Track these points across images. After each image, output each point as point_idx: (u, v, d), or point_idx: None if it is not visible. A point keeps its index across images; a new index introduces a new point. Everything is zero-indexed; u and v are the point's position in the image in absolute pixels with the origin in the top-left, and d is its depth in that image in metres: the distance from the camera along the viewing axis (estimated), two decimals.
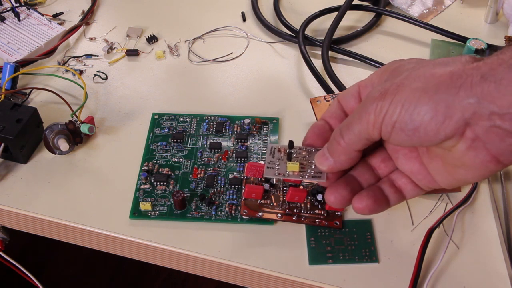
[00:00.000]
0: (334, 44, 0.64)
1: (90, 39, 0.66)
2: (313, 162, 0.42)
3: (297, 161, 0.42)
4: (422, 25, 0.64)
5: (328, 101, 0.55)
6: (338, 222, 0.47)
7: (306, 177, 0.41)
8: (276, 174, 0.42)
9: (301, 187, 0.49)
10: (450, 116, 0.32)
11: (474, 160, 0.33)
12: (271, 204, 0.48)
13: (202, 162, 0.52)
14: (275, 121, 0.56)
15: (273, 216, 0.47)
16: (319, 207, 0.48)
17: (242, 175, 0.51)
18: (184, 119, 0.56)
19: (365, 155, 0.41)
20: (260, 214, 0.47)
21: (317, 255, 0.46)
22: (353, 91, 0.41)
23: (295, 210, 0.48)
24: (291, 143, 0.43)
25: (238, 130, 0.55)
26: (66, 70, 0.61)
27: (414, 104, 0.33)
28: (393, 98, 0.34)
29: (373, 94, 0.35)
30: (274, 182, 0.49)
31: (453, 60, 0.34)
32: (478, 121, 0.31)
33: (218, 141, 0.54)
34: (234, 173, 0.51)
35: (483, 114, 0.31)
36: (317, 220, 0.47)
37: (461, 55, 0.35)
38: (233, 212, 0.48)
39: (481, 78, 0.31)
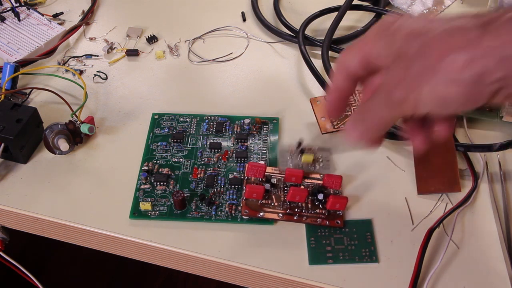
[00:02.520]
0: (334, 44, 0.64)
1: (90, 39, 0.66)
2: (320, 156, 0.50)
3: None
4: None
5: None
6: (339, 221, 0.47)
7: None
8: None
9: (302, 187, 0.49)
10: (480, 92, 0.32)
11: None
12: (272, 204, 0.48)
13: (202, 162, 0.52)
14: (275, 121, 0.56)
15: (274, 216, 0.47)
16: (320, 206, 0.48)
17: (242, 175, 0.51)
18: (184, 119, 0.56)
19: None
20: (261, 214, 0.47)
21: (317, 255, 0.46)
22: (357, 59, 0.38)
23: (296, 210, 0.48)
24: (300, 141, 0.51)
25: (238, 130, 0.55)
26: (66, 70, 0.61)
27: (444, 94, 0.33)
28: (421, 92, 0.33)
29: (394, 84, 0.35)
30: (275, 182, 0.50)
31: (458, 28, 0.34)
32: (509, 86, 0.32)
33: (218, 141, 0.54)
34: (234, 173, 0.51)
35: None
36: (318, 220, 0.47)
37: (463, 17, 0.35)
38: (233, 212, 0.48)
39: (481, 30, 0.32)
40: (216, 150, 0.53)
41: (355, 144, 0.39)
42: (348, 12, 0.66)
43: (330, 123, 0.53)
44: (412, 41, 0.35)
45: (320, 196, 0.48)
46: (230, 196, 0.50)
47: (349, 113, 0.54)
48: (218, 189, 0.50)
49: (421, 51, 0.34)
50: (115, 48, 0.65)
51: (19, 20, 0.66)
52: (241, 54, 0.64)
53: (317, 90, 0.59)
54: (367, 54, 0.38)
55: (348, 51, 0.39)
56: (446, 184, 0.50)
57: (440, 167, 0.47)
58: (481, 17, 0.34)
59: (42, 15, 0.67)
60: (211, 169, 0.52)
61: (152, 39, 0.65)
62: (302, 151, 0.52)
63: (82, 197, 0.50)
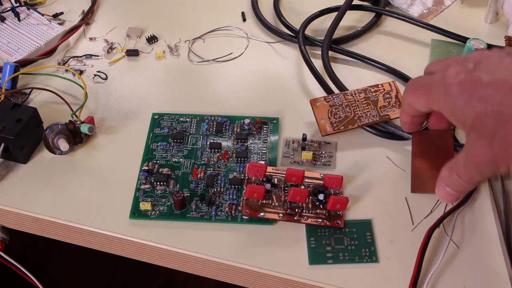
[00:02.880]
0: (334, 44, 0.64)
1: (90, 39, 0.66)
2: (324, 152, 0.52)
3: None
4: (422, 25, 0.64)
5: (328, 102, 0.55)
6: (339, 222, 0.47)
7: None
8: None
9: (302, 187, 0.49)
10: None
11: None
12: (273, 204, 0.48)
13: (202, 162, 0.52)
14: (275, 121, 0.56)
15: (275, 216, 0.47)
16: (321, 206, 0.48)
17: (242, 175, 0.51)
18: (184, 119, 0.56)
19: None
20: (261, 214, 0.47)
21: (317, 255, 0.46)
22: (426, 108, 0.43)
23: (296, 210, 0.48)
24: (304, 136, 0.52)
25: (238, 130, 0.55)
26: (66, 70, 0.61)
27: None
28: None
29: (482, 160, 0.36)
30: (275, 182, 0.50)
31: None
32: None
33: (218, 141, 0.54)
34: (234, 173, 0.51)
35: None
36: (318, 220, 0.47)
37: None
38: (233, 212, 0.48)
39: None
40: (216, 150, 0.53)
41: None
42: (348, 12, 0.66)
43: (330, 124, 0.53)
44: (487, 120, 0.35)
45: (321, 197, 0.48)
46: (230, 196, 0.50)
47: (349, 114, 0.54)
48: (218, 189, 0.50)
49: (497, 129, 0.35)
50: (115, 48, 0.65)
51: (19, 20, 0.66)
52: (241, 54, 0.64)
53: (317, 90, 0.59)
54: (441, 108, 0.40)
55: (417, 93, 0.41)
56: None
57: (438, 167, 0.47)
58: None
59: (42, 15, 0.67)
60: (211, 169, 0.52)
61: (152, 39, 0.65)
62: (303, 148, 0.53)
63: (82, 197, 0.50)
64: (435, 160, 0.50)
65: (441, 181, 0.43)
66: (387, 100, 0.55)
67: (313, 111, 0.54)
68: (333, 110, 0.54)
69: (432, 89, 0.39)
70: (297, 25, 0.65)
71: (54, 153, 0.53)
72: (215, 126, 0.55)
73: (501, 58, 0.36)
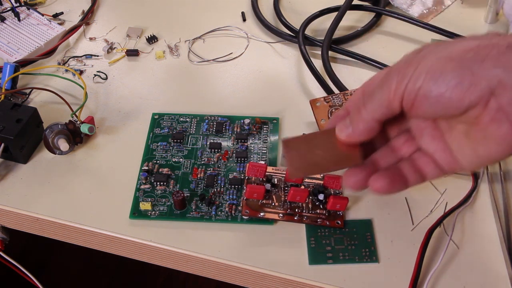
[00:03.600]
0: (334, 44, 0.64)
1: (90, 39, 0.66)
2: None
3: None
4: (422, 25, 0.64)
5: (328, 102, 0.55)
6: (339, 222, 0.47)
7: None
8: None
9: (302, 187, 0.49)
10: (475, 83, 0.32)
11: (496, 132, 0.33)
12: (273, 204, 0.48)
13: (202, 162, 0.52)
14: (275, 121, 0.56)
15: (275, 216, 0.47)
16: (321, 206, 0.48)
17: (242, 175, 0.51)
18: (184, 119, 0.56)
19: (388, 138, 0.41)
20: (261, 214, 0.47)
21: (317, 255, 0.46)
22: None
23: (296, 210, 0.48)
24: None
25: (238, 130, 0.55)
26: (66, 70, 0.61)
27: (440, 70, 0.33)
28: (418, 65, 0.34)
29: (397, 64, 0.35)
30: (275, 182, 0.50)
31: (479, 36, 0.34)
32: (503, 91, 0.31)
33: (218, 141, 0.54)
34: (234, 173, 0.51)
35: (508, 84, 0.31)
36: (318, 220, 0.47)
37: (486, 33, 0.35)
38: (233, 212, 0.48)
39: (507, 48, 0.31)
40: (216, 150, 0.53)
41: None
42: (348, 12, 0.66)
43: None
44: (426, 47, 0.35)
45: (321, 197, 0.48)
46: (230, 196, 0.50)
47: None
48: (218, 189, 0.50)
49: (433, 48, 0.34)
50: (115, 48, 0.65)
51: (19, 20, 0.66)
52: (241, 54, 0.64)
53: (317, 90, 0.59)
54: None
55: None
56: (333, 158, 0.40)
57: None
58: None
59: (42, 15, 0.67)
60: (211, 169, 0.52)
61: (152, 39, 0.65)
62: None
63: (82, 197, 0.50)
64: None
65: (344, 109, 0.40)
66: None
67: (313, 112, 0.54)
68: (333, 110, 0.54)
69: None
70: (297, 25, 0.65)
71: (54, 153, 0.53)
72: (215, 126, 0.55)
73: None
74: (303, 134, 0.43)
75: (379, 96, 0.36)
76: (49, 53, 0.62)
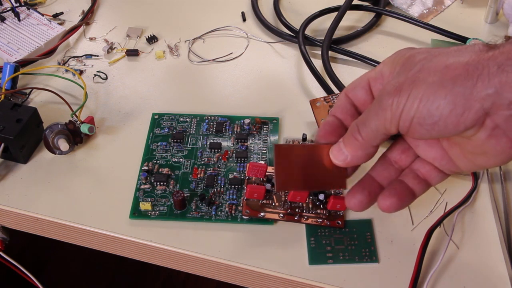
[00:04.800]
0: (334, 44, 0.64)
1: (90, 39, 0.66)
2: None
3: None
4: (422, 25, 0.64)
5: (328, 102, 0.55)
6: (340, 222, 0.47)
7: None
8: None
9: None
10: (469, 108, 0.32)
11: (494, 148, 0.33)
12: (273, 204, 0.48)
13: (202, 162, 0.52)
14: (275, 121, 0.56)
15: (275, 216, 0.47)
16: (321, 206, 0.48)
17: (242, 175, 0.51)
18: (184, 119, 0.56)
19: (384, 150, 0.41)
20: (262, 214, 0.47)
21: (317, 255, 0.46)
22: (362, 84, 0.40)
23: (297, 210, 0.48)
24: (304, 136, 0.51)
25: (238, 130, 0.55)
26: (66, 70, 0.61)
27: (432, 98, 0.33)
28: (410, 93, 0.34)
29: (388, 89, 0.35)
30: None
31: (466, 49, 0.34)
32: (498, 110, 0.31)
33: (218, 141, 0.54)
34: (234, 173, 0.51)
35: (503, 104, 0.31)
36: (319, 220, 0.47)
37: (473, 43, 0.34)
38: (233, 212, 0.48)
39: (498, 69, 0.31)
40: (216, 150, 0.53)
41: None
42: (348, 12, 0.66)
43: None
44: (416, 58, 0.35)
45: (321, 197, 0.48)
46: (230, 196, 0.50)
47: None
48: (218, 189, 0.50)
49: (423, 64, 0.34)
50: (115, 48, 0.65)
51: (19, 20, 0.66)
52: (241, 54, 0.64)
53: (317, 90, 0.59)
54: (372, 77, 0.39)
55: (360, 76, 0.41)
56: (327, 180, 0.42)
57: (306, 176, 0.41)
58: (490, 44, 0.34)
59: (42, 15, 0.66)
60: (211, 169, 0.52)
61: (152, 39, 0.65)
62: None
63: (82, 197, 0.50)
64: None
65: (342, 139, 0.39)
66: None
67: (313, 112, 0.54)
68: None
69: None
70: (297, 25, 0.65)
71: (54, 153, 0.53)
72: (215, 126, 0.55)
73: None
74: (295, 142, 0.43)
75: (375, 124, 0.36)
76: (49, 53, 0.62)
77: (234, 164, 0.52)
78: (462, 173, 0.38)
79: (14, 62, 0.59)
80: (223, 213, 0.49)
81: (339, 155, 0.39)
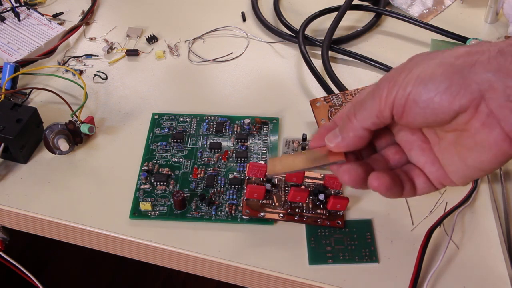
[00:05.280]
0: (334, 44, 0.64)
1: (90, 39, 0.66)
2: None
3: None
4: (422, 25, 0.64)
5: (328, 102, 0.55)
6: (340, 222, 0.47)
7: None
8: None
9: (303, 187, 0.49)
10: (465, 87, 0.32)
11: (487, 138, 0.32)
12: (273, 204, 0.48)
13: (202, 162, 0.52)
14: (275, 121, 0.56)
15: (275, 216, 0.47)
16: (321, 206, 0.48)
17: (242, 175, 0.51)
18: (184, 119, 0.56)
19: (378, 149, 0.41)
20: (262, 214, 0.47)
21: (317, 255, 0.46)
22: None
23: (297, 210, 0.48)
24: (304, 136, 0.51)
25: (238, 130, 0.55)
26: (66, 70, 0.61)
27: (429, 75, 0.32)
28: (408, 73, 0.34)
29: (388, 73, 0.35)
30: (276, 182, 0.50)
31: (470, 44, 0.34)
32: (494, 94, 0.31)
33: (218, 141, 0.54)
34: (234, 173, 0.51)
35: (499, 87, 0.31)
36: (319, 220, 0.47)
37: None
38: (233, 212, 0.48)
39: (498, 52, 0.31)
40: (216, 150, 0.53)
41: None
42: (348, 12, 0.66)
43: None
44: (418, 55, 0.35)
45: (321, 197, 0.48)
46: (230, 196, 0.50)
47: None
48: (218, 189, 0.50)
49: (425, 57, 0.34)
50: (115, 48, 0.65)
51: (19, 20, 0.66)
52: (241, 54, 0.64)
53: (317, 90, 0.59)
54: None
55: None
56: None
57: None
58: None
59: (42, 15, 0.66)
60: (211, 169, 0.52)
61: (152, 39, 0.65)
62: (303, 148, 0.53)
63: (82, 197, 0.50)
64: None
65: (334, 119, 0.39)
66: None
67: (313, 112, 0.54)
68: (333, 110, 0.54)
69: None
70: (297, 25, 0.65)
71: (54, 153, 0.53)
72: (215, 126, 0.55)
73: None
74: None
75: (370, 104, 0.36)
76: (49, 53, 0.62)
77: (234, 164, 0.52)
78: (450, 185, 0.38)
79: (14, 62, 0.59)
80: (223, 213, 0.49)
81: (332, 138, 0.38)
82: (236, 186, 0.50)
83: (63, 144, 0.52)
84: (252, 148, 0.53)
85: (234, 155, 0.53)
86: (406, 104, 0.34)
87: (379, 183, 0.37)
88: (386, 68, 0.61)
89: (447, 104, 0.32)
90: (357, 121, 0.37)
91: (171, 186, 0.50)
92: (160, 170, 0.52)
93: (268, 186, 0.49)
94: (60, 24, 0.67)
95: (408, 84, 0.33)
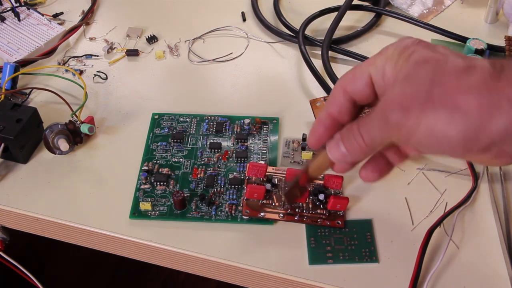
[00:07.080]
0: (334, 44, 0.64)
1: (90, 39, 0.66)
2: None
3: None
4: (422, 25, 0.64)
5: None
6: (340, 222, 0.47)
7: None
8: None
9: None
10: (478, 141, 0.32)
11: (495, 163, 0.34)
12: (273, 204, 0.48)
13: (202, 162, 0.52)
14: (275, 121, 0.56)
15: (275, 216, 0.47)
16: (321, 206, 0.48)
17: (242, 175, 0.51)
18: (184, 119, 0.56)
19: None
20: (262, 214, 0.47)
21: (317, 255, 0.46)
22: (363, 77, 0.37)
23: (297, 210, 0.48)
24: (304, 136, 0.52)
25: (238, 130, 0.55)
26: (66, 70, 0.61)
27: (442, 129, 0.32)
28: (418, 117, 0.33)
29: (395, 102, 0.34)
30: (276, 182, 0.50)
31: (475, 68, 0.33)
32: (506, 143, 0.32)
33: (218, 141, 0.54)
34: (234, 173, 0.51)
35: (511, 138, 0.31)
36: (319, 220, 0.47)
37: (477, 57, 0.34)
38: (233, 212, 0.48)
39: (508, 102, 0.31)
40: (216, 150, 0.53)
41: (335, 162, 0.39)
42: (348, 12, 0.66)
43: None
44: (425, 67, 0.34)
45: (321, 197, 0.48)
46: (230, 196, 0.50)
47: None
48: (218, 189, 0.50)
49: (433, 80, 0.33)
50: (115, 48, 0.65)
51: (19, 20, 0.66)
52: (241, 54, 0.64)
53: (317, 90, 0.59)
54: (373, 72, 0.37)
55: (356, 67, 0.38)
56: None
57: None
58: (496, 61, 0.33)
59: (42, 15, 0.67)
60: (211, 169, 0.52)
61: (152, 39, 0.65)
62: (303, 148, 0.53)
63: (82, 197, 0.50)
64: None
65: (340, 136, 0.38)
66: None
67: (313, 112, 0.54)
68: None
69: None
70: (297, 25, 0.65)
71: (54, 153, 0.53)
72: (215, 126, 0.55)
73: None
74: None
75: (380, 137, 0.35)
76: (49, 53, 0.62)
77: (234, 164, 0.52)
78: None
79: (14, 62, 0.59)
80: (223, 213, 0.49)
81: (336, 151, 0.37)
82: (236, 186, 0.50)
83: (63, 144, 0.52)
84: (252, 148, 0.53)
85: (234, 155, 0.53)
86: (418, 146, 0.34)
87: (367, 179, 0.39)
88: None
89: (459, 153, 0.34)
90: (366, 146, 0.37)
91: (171, 186, 0.50)
92: (160, 170, 0.52)
93: (268, 186, 0.49)
94: (60, 24, 0.67)
95: (420, 136, 0.33)
